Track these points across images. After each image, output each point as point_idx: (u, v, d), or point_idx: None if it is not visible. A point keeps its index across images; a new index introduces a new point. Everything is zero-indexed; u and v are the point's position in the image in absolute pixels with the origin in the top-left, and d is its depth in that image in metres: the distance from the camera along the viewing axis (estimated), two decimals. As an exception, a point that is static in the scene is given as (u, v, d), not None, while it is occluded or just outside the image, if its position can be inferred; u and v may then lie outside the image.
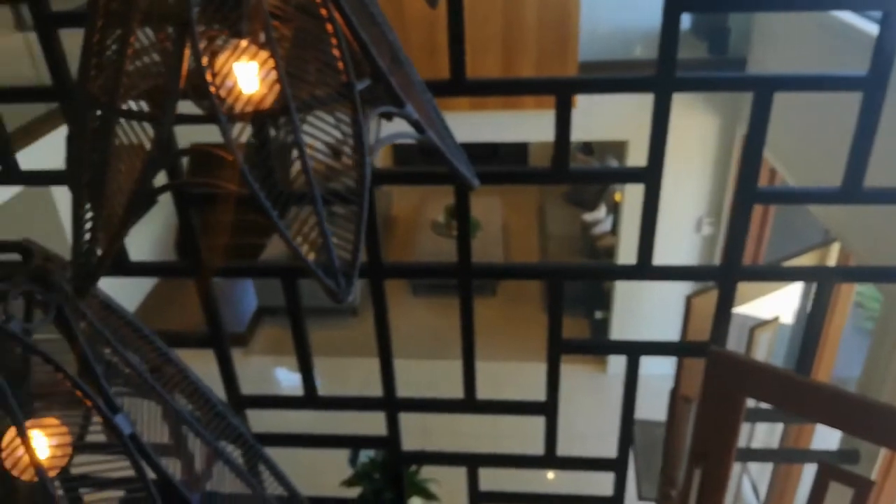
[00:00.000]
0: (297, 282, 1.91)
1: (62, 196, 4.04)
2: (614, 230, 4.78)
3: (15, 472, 0.79)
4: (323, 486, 2.60)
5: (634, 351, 1.96)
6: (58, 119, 3.25)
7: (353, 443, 2.27)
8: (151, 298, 5.79)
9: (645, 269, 1.79)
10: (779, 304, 2.65)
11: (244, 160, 0.70)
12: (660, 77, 1.53)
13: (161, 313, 5.49)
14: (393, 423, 2.18)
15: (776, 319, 2.38)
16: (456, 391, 2.05)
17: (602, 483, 2.32)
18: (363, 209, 0.73)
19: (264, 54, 0.72)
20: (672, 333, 4.47)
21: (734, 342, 2.47)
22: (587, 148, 6.34)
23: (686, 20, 4.68)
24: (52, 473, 0.81)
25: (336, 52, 0.72)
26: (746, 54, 3.38)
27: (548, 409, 2.10)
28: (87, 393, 0.71)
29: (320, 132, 0.74)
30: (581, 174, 1.68)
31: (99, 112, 0.75)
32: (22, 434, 0.72)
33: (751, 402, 1.91)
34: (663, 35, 1.48)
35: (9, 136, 1.74)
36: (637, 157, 3.48)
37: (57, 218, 3.97)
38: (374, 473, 2.67)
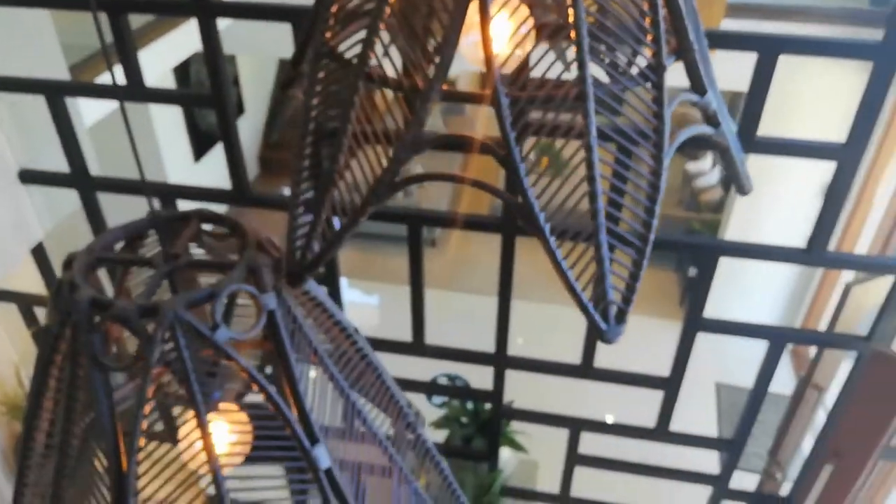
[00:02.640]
0: (421, 230, 1.79)
1: (160, 114, 3.95)
2: (725, 186, 4.47)
3: (191, 464, 0.71)
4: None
5: (779, 337, 1.79)
6: (156, 31, 3.09)
7: (459, 393, 2.19)
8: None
9: (816, 255, 1.60)
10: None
11: (525, 165, 0.55)
12: (888, 44, 1.30)
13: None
14: (499, 379, 2.09)
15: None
16: (529, 333, 1.89)
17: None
18: (651, 232, 0.58)
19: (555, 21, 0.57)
20: (770, 308, 4.22)
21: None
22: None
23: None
24: (226, 470, 0.72)
25: (648, 20, 0.56)
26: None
27: (670, 384, 1.96)
28: (289, 420, 0.60)
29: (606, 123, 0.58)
30: (770, 145, 1.47)
31: (335, 69, 0.60)
32: (201, 421, 0.61)
33: None
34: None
35: (136, 49, 1.63)
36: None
37: (153, 137, 3.90)
38: (461, 417, 2.61)
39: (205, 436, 0.57)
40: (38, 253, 2.06)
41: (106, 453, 0.57)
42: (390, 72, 0.59)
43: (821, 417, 2.63)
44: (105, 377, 0.56)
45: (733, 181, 0.72)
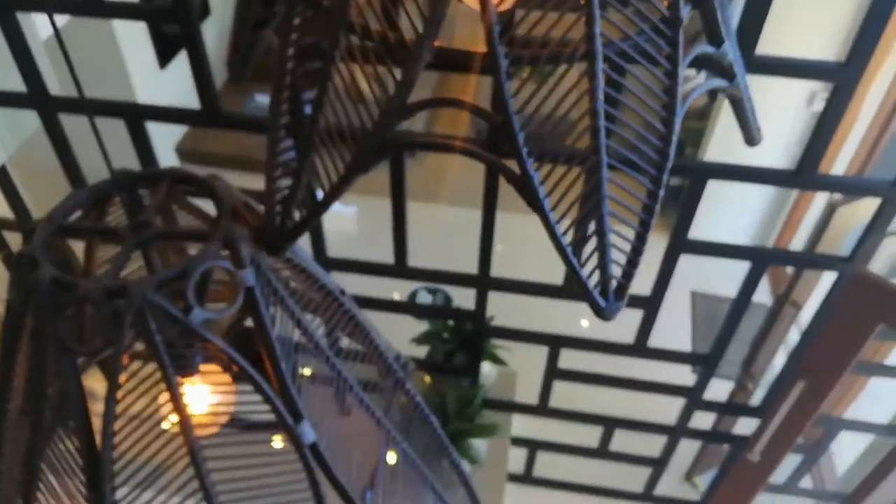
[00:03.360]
0: (403, 159, 1.72)
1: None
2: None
3: (168, 425, 0.69)
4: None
5: (762, 258, 1.79)
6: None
7: (441, 314, 2.20)
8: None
9: (805, 178, 1.58)
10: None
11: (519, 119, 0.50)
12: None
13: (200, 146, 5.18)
14: (482, 300, 2.09)
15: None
16: (508, 241, 1.85)
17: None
18: (658, 193, 0.54)
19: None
20: (745, 222, 4.20)
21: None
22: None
23: None
24: (202, 432, 0.69)
25: (664, -36, 0.50)
26: None
27: (651, 304, 1.98)
28: (270, 397, 0.57)
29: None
30: (768, 65, 1.41)
31: (313, 15, 0.53)
32: (177, 405, 0.58)
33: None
34: None
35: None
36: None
37: (115, 44, 3.66)
38: (442, 333, 2.64)
39: (182, 417, 0.54)
40: (2, 176, 1.97)
41: (78, 436, 0.54)
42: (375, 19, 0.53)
43: (795, 334, 2.70)
44: (72, 360, 0.53)
45: (743, 131, 0.67)
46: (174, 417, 0.59)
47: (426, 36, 0.48)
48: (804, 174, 1.58)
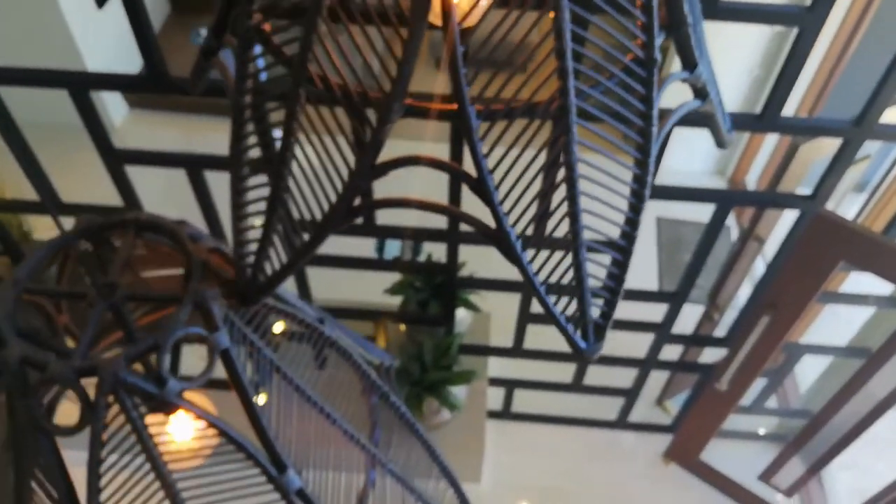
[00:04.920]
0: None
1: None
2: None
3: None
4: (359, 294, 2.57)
5: (727, 200, 1.81)
6: None
7: (412, 268, 2.20)
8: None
9: (769, 121, 1.58)
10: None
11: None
12: None
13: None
14: (453, 254, 2.09)
15: (866, 158, 2.20)
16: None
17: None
18: (633, 238, 0.53)
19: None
20: (706, 149, 4.20)
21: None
22: None
23: None
24: (187, 465, 0.69)
25: (638, 2, 0.47)
26: None
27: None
28: (251, 453, 0.57)
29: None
30: (733, 11, 1.38)
31: (270, 62, 0.50)
32: (149, 451, 0.57)
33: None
34: None
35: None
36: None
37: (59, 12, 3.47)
38: (415, 282, 2.64)
39: (165, 486, 0.54)
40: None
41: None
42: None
43: (759, 266, 2.77)
44: (51, 439, 0.51)
45: (714, 138, 0.66)
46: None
47: (395, 97, 0.45)
48: (768, 118, 1.58)
